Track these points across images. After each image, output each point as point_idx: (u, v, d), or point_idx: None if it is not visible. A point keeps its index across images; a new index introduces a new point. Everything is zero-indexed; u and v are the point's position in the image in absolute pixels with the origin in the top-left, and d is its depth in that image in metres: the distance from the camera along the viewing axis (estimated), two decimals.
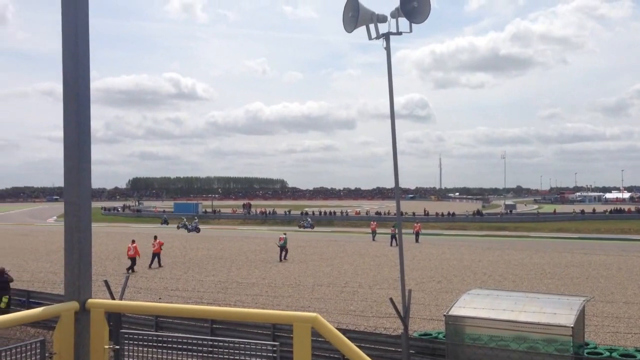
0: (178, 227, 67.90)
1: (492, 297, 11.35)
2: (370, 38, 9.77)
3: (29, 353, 3.09)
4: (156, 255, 30.86)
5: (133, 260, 28.98)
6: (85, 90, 3.38)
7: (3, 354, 2.97)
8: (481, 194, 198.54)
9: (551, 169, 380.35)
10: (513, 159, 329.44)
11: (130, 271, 27.98)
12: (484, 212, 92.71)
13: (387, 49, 9.93)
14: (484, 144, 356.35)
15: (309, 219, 79.84)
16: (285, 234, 37.16)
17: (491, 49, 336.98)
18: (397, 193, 11.21)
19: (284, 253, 34.39)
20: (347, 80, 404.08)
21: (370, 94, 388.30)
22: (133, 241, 29.78)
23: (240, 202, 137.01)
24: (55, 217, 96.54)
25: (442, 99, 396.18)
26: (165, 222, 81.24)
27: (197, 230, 63.22)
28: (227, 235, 58.56)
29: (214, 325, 14.30)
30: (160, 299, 20.96)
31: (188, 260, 33.15)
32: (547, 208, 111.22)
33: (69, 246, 3.38)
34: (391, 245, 43.59)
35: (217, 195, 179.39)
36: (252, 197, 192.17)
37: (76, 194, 3.36)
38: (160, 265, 30.34)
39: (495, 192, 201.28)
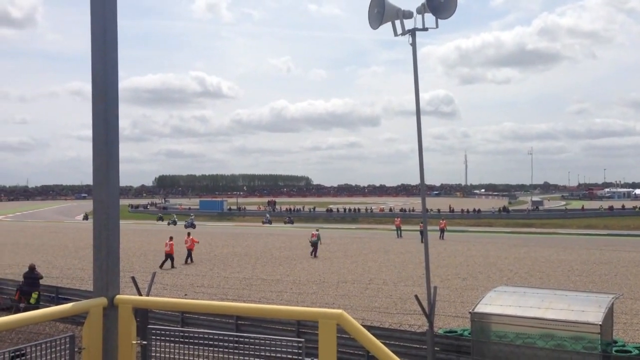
0: (168, 224, 70.87)
1: (518, 294, 11.23)
2: (396, 34, 9.72)
3: (58, 348, 3.14)
4: (190, 251, 31.37)
5: (168, 256, 29.41)
6: (113, 90, 3.42)
7: (34, 348, 3.02)
8: (507, 190, 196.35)
9: (579, 164, 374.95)
10: (540, 155, 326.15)
11: (168, 267, 28.65)
12: (510, 208, 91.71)
13: (413, 45, 9.87)
14: (511, 140, 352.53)
15: (268, 215, 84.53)
16: (317, 230, 37.28)
17: (518, 43, 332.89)
18: (423, 190, 11.15)
19: (314, 249, 34.63)
20: (372, 77, 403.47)
21: (395, 91, 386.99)
22: (171, 238, 30.31)
23: (265, 200, 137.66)
24: (83, 215, 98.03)
25: (468, 95, 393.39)
26: (161, 218, 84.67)
27: (193, 226, 64.87)
28: (252, 232, 58.87)
29: (239, 322, 14.41)
30: (186, 295, 21.17)
31: (213, 257, 33.40)
32: (575, 204, 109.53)
33: (98, 243, 3.43)
34: (422, 241, 43.43)
35: (242, 193, 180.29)
36: (277, 195, 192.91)
37: (105, 192, 3.41)
38: (186, 263, 30.61)
39: (521, 188, 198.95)
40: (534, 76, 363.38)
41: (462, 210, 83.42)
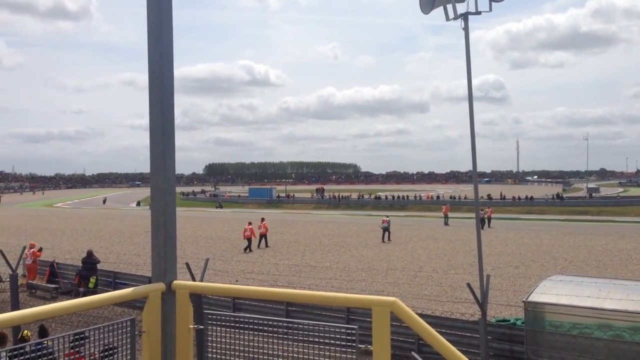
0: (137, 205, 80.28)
1: (574, 284, 10.95)
2: (448, 19, 9.56)
3: (119, 331, 3.21)
4: (263, 236, 32.75)
5: (249, 240, 31.07)
6: (169, 79, 3.46)
7: (95, 331, 3.10)
8: (561, 177, 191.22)
9: (638, 150, 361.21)
10: (596, 141, 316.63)
11: (248, 250, 30.52)
12: (564, 195, 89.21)
13: (466, 29, 9.69)
14: (564, 126, 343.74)
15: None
16: (387, 216, 38.35)
17: (571, 26, 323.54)
18: (475, 177, 10.98)
19: (387, 234, 35.81)
20: (420, 63, 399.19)
21: (443, 77, 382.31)
22: (250, 223, 31.86)
23: (314, 187, 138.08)
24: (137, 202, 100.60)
25: (519, 80, 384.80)
26: (138, 204, 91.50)
27: None
28: (301, 219, 59.25)
29: (289, 308, 14.57)
30: (237, 281, 21.52)
31: (263, 244, 33.80)
32: (634, 191, 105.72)
33: (155, 229, 3.49)
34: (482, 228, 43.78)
35: (290, 180, 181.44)
36: (325, 182, 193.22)
37: (162, 179, 3.46)
38: (258, 247, 32.04)
39: (576, 175, 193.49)
40: (588, 59, 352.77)
41: (514, 198, 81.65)
